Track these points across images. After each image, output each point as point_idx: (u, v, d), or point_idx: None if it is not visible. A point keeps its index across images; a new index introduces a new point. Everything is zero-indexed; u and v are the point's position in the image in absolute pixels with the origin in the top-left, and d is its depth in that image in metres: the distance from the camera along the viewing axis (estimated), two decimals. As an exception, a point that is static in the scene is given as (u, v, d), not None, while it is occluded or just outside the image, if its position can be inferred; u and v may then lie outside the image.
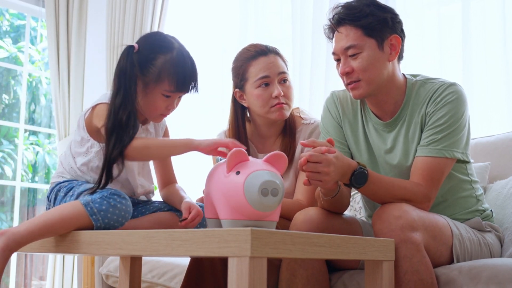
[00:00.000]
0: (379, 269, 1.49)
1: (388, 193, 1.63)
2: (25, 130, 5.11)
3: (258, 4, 3.59)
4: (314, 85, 3.11)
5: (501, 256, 1.83)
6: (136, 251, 1.33)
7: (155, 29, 3.88)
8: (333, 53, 1.79)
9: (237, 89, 2.08)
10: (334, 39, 1.78)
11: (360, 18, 1.71)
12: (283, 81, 2.03)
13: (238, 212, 1.32)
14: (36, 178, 5.40)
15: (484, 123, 2.66)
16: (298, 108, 2.17)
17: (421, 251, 1.52)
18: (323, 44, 3.05)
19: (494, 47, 2.67)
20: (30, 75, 5.18)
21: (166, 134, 1.91)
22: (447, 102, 1.71)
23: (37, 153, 5.37)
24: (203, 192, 1.52)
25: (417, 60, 2.82)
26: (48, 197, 1.75)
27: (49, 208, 1.72)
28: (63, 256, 4.08)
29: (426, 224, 1.57)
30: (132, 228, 1.58)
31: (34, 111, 5.22)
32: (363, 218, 2.05)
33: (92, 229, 1.52)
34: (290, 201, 1.95)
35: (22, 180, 4.98)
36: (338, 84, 2.55)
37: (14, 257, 4.34)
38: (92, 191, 1.58)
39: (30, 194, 4.96)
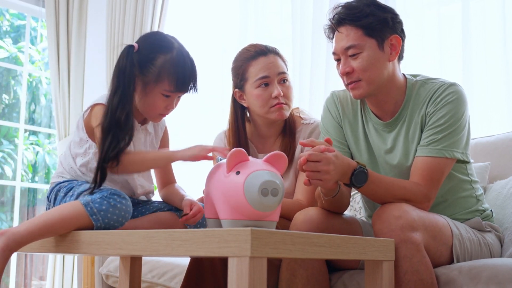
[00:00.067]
0: (379, 269, 1.49)
1: (388, 193, 1.63)
2: (25, 130, 5.11)
3: (258, 4, 3.59)
4: (314, 85, 3.11)
5: (501, 256, 1.83)
6: (136, 251, 1.33)
7: (155, 29, 3.88)
8: (333, 53, 1.79)
9: (236, 89, 2.08)
10: (334, 39, 1.78)
11: (360, 18, 1.71)
12: (283, 81, 2.03)
13: (238, 212, 1.32)
14: (36, 178, 5.40)
15: (484, 123, 2.66)
16: (298, 108, 2.17)
17: (421, 251, 1.52)
18: (323, 44, 3.05)
19: (494, 47, 2.67)
20: (30, 75, 5.18)
21: (165, 134, 1.91)
22: (447, 102, 1.71)
23: (37, 153, 5.37)
24: (203, 192, 1.52)
25: (417, 60, 2.82)
26: (48, 197, 1.75)
27: (49, 208, 1.72)
28: (63, 256, 4.08)
29: (426, 224, 1.57)
30: (132, 228, 1.58)
31: (34, 111, 5.22)
32: (363, 218, 2.05)
33: (92, 229, 1.52)
34: (290, 201, 1.95)
35: (22, 180, 4.98)
36: (338, 84, 2.55)
37: (14, 257, 4.34)
38: (90, 191, 1.58)
39: (30, 194, 4.96)
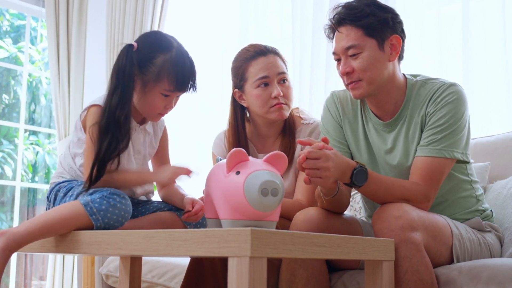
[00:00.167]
0: (379, 269, 1.49)
1: (387, 193, 1.63)
2: (25, 130, 5.11)
3: (258, 4, 3.59)
4: (314, 85, 3.11)
5: (501, 256, 1.83)
6: (136, 251, 1.33)
7: (155, 29, 3.88)
8: (334, 53, 1.79)
9: (236, 89, 2.08)
10: (334, 39, 1.78)
11: (360, 18, 1.71)
12: (283, 81, 2.03)
13: (238, 212, 1.32)
14: (36, 178, 5.40)
15: (484, 123, 2.66)
16: (297, 108, 2.17)
17: (421, 251, 1.52)
18: (323, 44, 3.05)
19: (494, 47, 2.67)
20: (30, 75, 5.18)
21: (164, 134, 1.91)
22: (447, 102, 1.71)
23: (37, 153, 5.37)
24: (203, 192, 1.52)
25: (417, 60, 2.82)
26: (47, 197, 1.75)
27: (48, 208, 1.72)
28: (63, 256, 4.08)
29: (426, 224, 1.57)
30: (132, 228, 1.58)
31: (34, 111, 5.22)
32: (363, 218, 2.05)
33: (92, 229, 1.51)
34: (290, 201, 1.95)
35: (22, 180, 4.98)
36: (338, 84, 2.55)
37: (14, 257, 4.34)
38: (86, 189, 1.58)
39: (30, 194, 4.96)
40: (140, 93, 1.69)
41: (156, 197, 1.90)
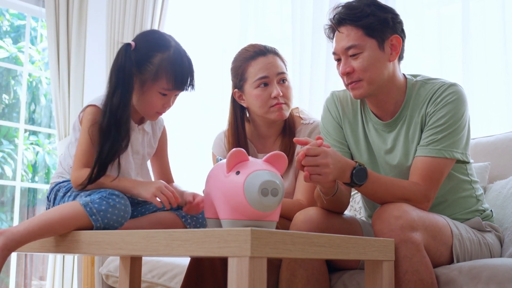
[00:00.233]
0: (379, 269, 1.49)
1: (387, 192, 1.63)
2: (25, 130, 5.11)
3: (258, 4, 3.59)
4: (314, 85, 3.11)
5: (501, 256, 1.83)
6: (136, 251, 1.33)
7: (155, 29, 3.88)
8: (334, 53, 1.79)
9: (236, 89, 2.08)
10: (334, 39, 1.78)
11: (361, 18, 1.71)
12: (282, 81, 2.03)
13: (238, 212, 1.32)
14: (36, 178, 5.40)
15: (484, 123, 2.66)
16: (297, 108, 2.17)
17: (421, 251, 1.52)
18: (323, 44, 3.05)
19: (494, 47, 2.67)
20: (30, 75, 5.18)
21: (163, 134, 1.91)
22: (447, 102, 1.71)
23: (37, 153, 5.37)
24: (203, 192, 1.52)
25: (417, 60, 2.82)
26: (48, 197, 1.75)
27: (49, 208, 1.72)
28: (63, 256, 4.08)
29: (426, 224, 1.57)
30: (132, 228, 1.58)
31: (34, 111, 5.22)
32: (363, 218, 2.05)
33: (91, 229, 1.51)
34: (290, 201, 1.95)
35: (22, 180, 4.98)
36: (338, 84, 2.55)
37: (14, 257, 4.34)
38: (82, 187, 1.58)
39: (30, 194, 4.96)
40: (138, 92, 1.69)
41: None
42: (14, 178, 4.95)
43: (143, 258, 2.18)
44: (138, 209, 1.77)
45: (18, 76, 5.22)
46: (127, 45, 1.70)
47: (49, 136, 5.28)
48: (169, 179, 1.90)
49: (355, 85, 1.74)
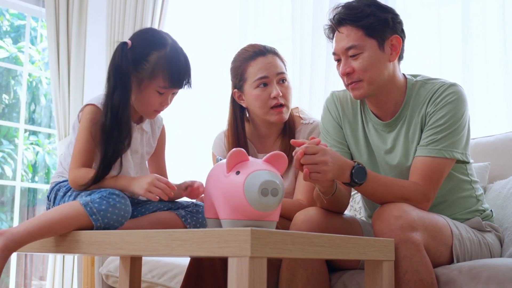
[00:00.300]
0: (379, 269, 1.49)
1: (387, 192, 1.63)
2: (25, 130, 5.11)
3: (258, 4, 3.59)
4: (314, 85, 3.11)
5: (501, 256, 1.83)
6: (136, 251, 1.33)
7: (155, 29, 3.87)
8: (334, 53, 1.79)
9: (235, 90, 2.07)
10: (334, 39, 1.78)
11: (361, 18, 1.71)
12: (282, 81, 2.03)
13: (238, 212, 1.32)
14: (36, 178, 5.40)
15: (484, 123, 2.66)
16: (297, 107, 2.17)
17: (421, 251, 1.52)
18: (323, 44, 3.05)
19: (494, 47, 2.67)
20: (30, 75, 5.18)
21: (162, 133, 1.91)
22: (447, 102, 1.71)
23: (37, 153, 5.37)
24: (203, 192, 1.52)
25: (417, 60, 2.82)
26: (48, 196, 1.75)
27: (49, 208, 1.72)
28: (63, 256, 4.08)
29: (426, 224, 1.57)
30: (132, 228, 1.58)
31: (34, 111, 5.22)
32: (363, 218, 2.05)
33: (91, 229, 1.51)
34: (290, 201, 1.94)
35: (22, 180, 4.98)
36: (338, 84, 2.55)
37: (14, 257, 4.34)
38: (86, 187, 1.58)
39: (30, 194, 4.96)
40: (136, 91, 1.69)
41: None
42: (14, 178, 4.95)
43: (143, 258, 2.18)
44: (138, 209, 1.77)
45: (18, 76, 5.22)
46: (123, 44, 1.69)
47: (49, 136, 5.28)
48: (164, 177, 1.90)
49: (355, 85, 1.74)
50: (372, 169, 1.81)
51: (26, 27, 4.69)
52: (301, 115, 2.12)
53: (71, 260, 4.05)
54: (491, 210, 1.89)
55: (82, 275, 3.27)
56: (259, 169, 1.32)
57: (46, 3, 4.26)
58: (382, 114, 1.82)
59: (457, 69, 2.74)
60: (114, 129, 1.63)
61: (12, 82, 5.30)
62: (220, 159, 1.47)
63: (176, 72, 1.68)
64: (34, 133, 5.39)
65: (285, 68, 2.07)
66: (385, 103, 1.80)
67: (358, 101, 1.88)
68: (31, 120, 5.12)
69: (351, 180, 1.59)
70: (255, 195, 1.28)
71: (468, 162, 1.80)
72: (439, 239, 1.61)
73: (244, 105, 2.07)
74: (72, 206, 1.53)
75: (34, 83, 5.32)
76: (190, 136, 3.88)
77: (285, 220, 1.82)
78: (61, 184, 1.72)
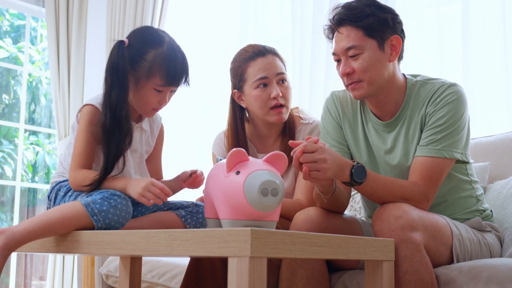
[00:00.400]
0: (379, 269, 1.49)
1: (386, 192, 1.63)
2: (25, 130, 5.11)
3: (258, 4, 3.59)
4: (314, 85, 3.11)
5: (501, 256, 1.83)
6: (136, 251, 1.33)
7: (155, 29, 3.87)
8: (333, 54, 1.78)
9: (235, 90, 2.07)
10: (334, 39, 1.78)
11: (361, 18, 1.71)
12: (282, 81, 2.03)
13: (238, 212, 1.32)
14: (36, 178, 5.40)
15: (484, 123, 2.66)
16: (297, 107, 2.16)
17: (421, 251, 1.52)
18: (323, 44, 3.05)
19: (494, 47, 2.67)
20: (30, 75, 5.18)
21: (161, 133, 1.91)
22: (447, 102, 1.71)
23: (37, 153, 5.37)
24: (203, 192, 1.52)
25: (417, 60, 2.82)
26: (48, 196, 1.75)
27: (49, 207, 1.72)
28: (63, 256, 4.08)
29: (426, 224, 1.57)
30: (132, 228, 1.58)
31: (34, 111, 5.22)
32: (363, 218, 2.05)
33: (92, 229, 1.51)
34: (290, 201, 1.94)
35: (22, 180, 4.98)
36: (338, 84, 2.55)
37: (14, 257, 4.34)
38: (92, 189, 1.58)
39: (30, 194, 4.96)
40: (133, 89, 1.69)
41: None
42: (14, 178, 4.95)
43: (143, 258, 2.18)
44: (138, 209, 1.77)
45: (18, 76, 5.22)
46: (120, 42, 1.69)
47: (49, 136, 5.28)
48: (159, 177, 1.90)
49: (355, 85, 1.74)
50: (372, 169, 1.81)
51: (26, 27, 4.69)
52: (301, 115, 2.12)
53: (71, 260, 4.05)
54: (491, 210, 1.89)
55: (82, 275, 3.28)
56: (259, 169, 1.32)
57: (46, 3, 4.26)
58: (382, 114, 1.82)
59: (457, 69, 2.73)
60: (114, 128, 1.63)
61: (12, 82, 5.30)
62: (220, 159, 1.47)
63: (173, 70, 1.68)
64: (34, 133, 5.39)
65: (285, 68, 2.07)
66: (385, 103, 1.80)
67: (358, 101, 1.88)
68: (31, 120, 5.12)
69: (351, 179, 1.59)
70: (255, 195, 1.28)
71: (468, 162, 1.80)
72: (439, 239, 1.61)
73: (244, 105, 2.07)
74: (73, 206, 1.53)
75: (34, 83, 5.32)
76: (190, 136, 3.87)
77: (285, 220, 1.82)
78: (62, 183, 1.72)
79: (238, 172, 1.32)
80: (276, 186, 1.30)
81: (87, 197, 1.56)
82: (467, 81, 2.66)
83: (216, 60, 3.79)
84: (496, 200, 2.05)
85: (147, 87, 1.68)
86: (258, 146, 2.12)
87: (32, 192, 4.98)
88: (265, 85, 2.00)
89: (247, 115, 2.13)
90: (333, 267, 1.80)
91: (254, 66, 2.01)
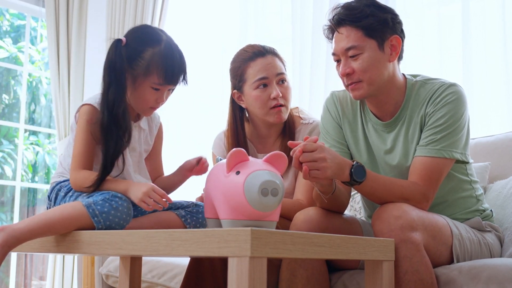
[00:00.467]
0: (379, 269, 1.49)
1: (386, 192, 1.63)
2: (25, 130, 5.11)
3: (258, 4, 3.59)
4: (314, 85, 3.11)
5: (501, 256, 1.83)
6: (136, 251, 1.33)
7: (155, 29, 3.87)
8: (333, 54, 1.78)
9: (235, 90, 2.07)
10: (334, 39, 1.78)
11: (360, 19, 1.71)
12: (281, 81, 2.02)
13: (238, 212, 1.32)
14: (36, 178, 5.40)
15: (484, 123, 2.66)
16: (297, 107, 2.16)
17: (421, 251, 1.52)
18: (323, 44, 3.05)
19: (494, 47, 2.67)
20: (30, 75, 5.18)
21: (159, 132, 1.91)
22: (447, 102, 1.71)
23: (37, 153, 5.37)
24: (203, 192, 1.52)
25: (417, 60, 2.82)
26: (48, 196, 1.75)
27: (49, 207, 1.72)
28: (63, 256, 4.08)
29: (426, 224, 1.57)
30: (132, 228, 1.58)
31: (34, 111, 5.22)
32: (363, 218, 2.05)
33: (92, 230, 1.51)
34: (290, 201, 1.94)
35: (22, 180, 4.98)
36: (338, 84, 2.55)
37: (14, 257, 4.34)
38: (93, 189, 1.58)
39: (30, 194, 4.96)
40: (131, 87, 1.69)
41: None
42: (14, 178, 4.95)
43: (143, 258, 2.18)
44: (138, 209, 1.77)
45: (18, 76, 5.22)
46: (118, 41, 1.69)
47: (49, 136, 5.28)
48: (160, 173, 1.92)
49: (355, 86, 1.74)
50: (371, 169, 1.81)
51: (26, 27, 4.69)
52: (301, 115, 2.12)
53: (71, 260, 4.05)
54: (491, 210, 1.89)
55: (82, 275, 3.28)
56: (259, 169, 1.32)
57: (46, 3, 4.26)
58: (381, 114, 1.82)
59: (457, 69, 2.73)
60: (112, 125, 1.63)
61: (12, 82, 5.30)
62: (220, 159, 1.47)
63: (171, 69, 1.68)
64: (34, 133, 5.39)
65: (285, 68, 2.06)
66: (385, 103, 1.80)
67: (358, 101, 1.88)
68: (31, 120, 5.12)
69: (351, 178, 1.59)
70: (255, 195, 1.28)
71: (467, 162, 1.80)
72: (439, 239, 1.61)
73: (243, 105, 2.07)
74: (74, 206, 1.53)
75: (34, 83, 5.32)
76: (190, 136, 3.87)
77: (285, 220, 1.82)
78: (62, 184, 1.71)
79: (238, 172, 1.32)
80: (276, 186, 1.30)
81: (88, 197, 1.56)
82: (467, 81, 2.66)
83: (216, 60, 3.79)
84: (496, 200, 2.05)
85: (144, 86, 1.68)
86: (258, 146, 2.12)
87: (32, 192, 4.98)
88: (265, 85, 2.00)
89: (247, 115, 2.13)
90: (333, 267, 1.80)
91: (254, 66, 2.00)
